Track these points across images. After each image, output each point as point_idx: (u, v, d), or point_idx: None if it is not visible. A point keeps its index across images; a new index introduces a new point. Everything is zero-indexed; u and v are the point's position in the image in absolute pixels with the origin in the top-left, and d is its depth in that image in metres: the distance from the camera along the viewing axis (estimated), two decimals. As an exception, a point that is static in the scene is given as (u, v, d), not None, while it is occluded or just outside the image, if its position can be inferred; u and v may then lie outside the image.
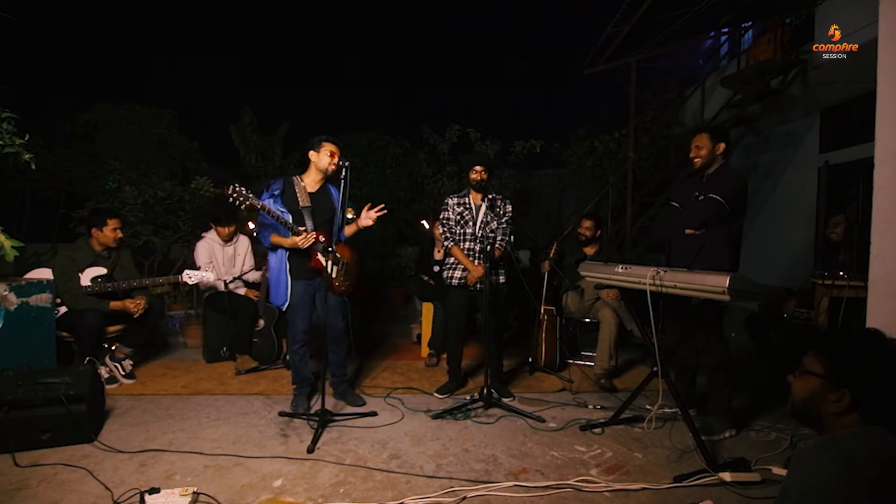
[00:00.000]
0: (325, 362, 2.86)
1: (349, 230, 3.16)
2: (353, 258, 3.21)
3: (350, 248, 3.19)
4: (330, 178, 3.08)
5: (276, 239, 2.90)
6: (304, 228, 2.87)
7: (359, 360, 4.16)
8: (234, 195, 2.68)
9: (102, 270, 3.53)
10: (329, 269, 2.93)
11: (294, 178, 3.04)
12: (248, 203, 2.71)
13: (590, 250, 4.18)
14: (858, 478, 1.02)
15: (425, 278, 4.63)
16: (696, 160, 2.83)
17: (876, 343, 1.17)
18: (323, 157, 2.97)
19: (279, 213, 2.84)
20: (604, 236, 4.28)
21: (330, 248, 2.86)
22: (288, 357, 3.96)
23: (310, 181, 3.04)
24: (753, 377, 3.61)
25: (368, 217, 3.09)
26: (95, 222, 3.54)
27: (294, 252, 2.92)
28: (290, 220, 2.87)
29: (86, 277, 3.46)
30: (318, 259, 2.92)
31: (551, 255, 4.10)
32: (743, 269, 2.71)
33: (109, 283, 3.51)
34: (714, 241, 2.68)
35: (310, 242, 2.85)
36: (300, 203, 2.95)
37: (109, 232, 3.52)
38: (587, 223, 4.16)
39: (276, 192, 2.93)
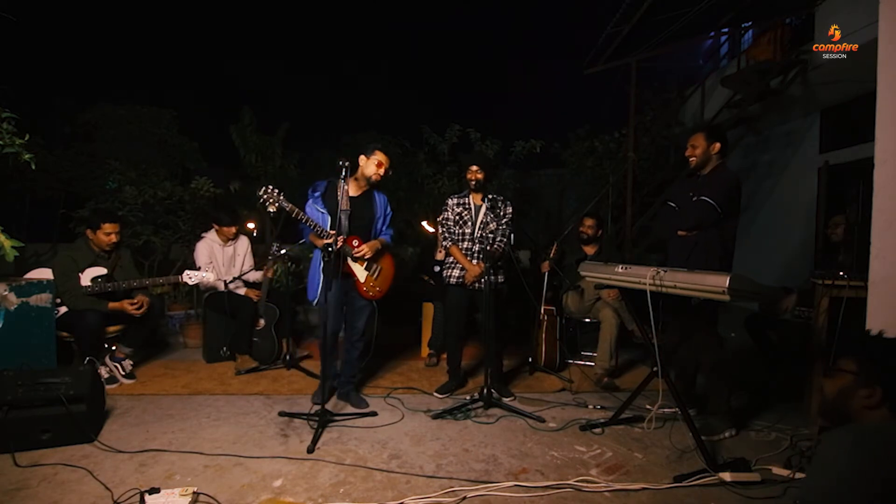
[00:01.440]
0: (327, 362, 2.86)
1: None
2: (390, 263, 3.24)
3: (388, 253, 3.23)
4: (376, 185, 3.12)
5: (312, 237, 2.99)
6: (333, 232, 2.88)
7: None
8: (266, 196, 2.78)
9: (102, 270, 3.53)
10: (357, 274, 3.02)
11: (340, 179, 3.04)
12: (277, 205, 2.79)
13: (590, 249, 4.18)
14: (870, 474, 1.08)
15: (425, 278, 4.63)
16: (691, 159, 2.86)
17: None
18: (370, 165, 3.02)
19: (319, 213, 2.95)
20: (604, 236, 4.29)
21: (330, 248, 2.85)
22: (288, 357, 3.98)
23: (354, 185, 3.09)
24: (753, 377, 3.61)
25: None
26: (92, 224, 3.53)
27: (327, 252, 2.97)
28: (329, 222, 2.95)
29: (86, 277, 3.46)
30: (347, 263, 2.97)
31: (551, 255, 4.10)
32: (743, 269, 2.70)
33: (109, 283, 3.51)
34: (706, 242, 2.71)
35: (337, 246, 2.86)
36: (340, 205, 2.98)
37: (103, 236, 3.50)
38: (589, 221, 4.16)
39: (318, 194, 3.02)
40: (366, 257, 3.04)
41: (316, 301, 3.02)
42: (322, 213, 2.97)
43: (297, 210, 2.86)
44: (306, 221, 2.88)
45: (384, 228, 3.19)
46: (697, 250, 2.72)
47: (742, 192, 2.84)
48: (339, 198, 2.88)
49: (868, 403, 1.24)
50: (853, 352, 1.34)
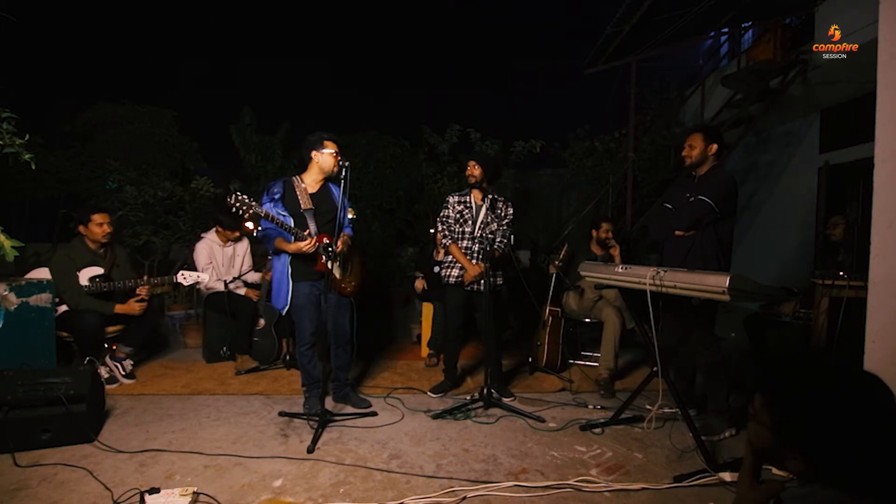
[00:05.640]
0: (324, 363, 2.85)
1: None
2: (359, 259, 3.19)
3: (353, 249, 3.17)
4: (330, 177, 3.01)
5: (280, 244, 2.82)
6: (307, 233, 2.81)
7: (359, 361, 4.15)
8: (237, 204, 2.58)
9: (99, 270, 3.52)
10: (334, 272, 2.90)
11: (294, 178, 2.95)
12: (250, 211, 2.62)
13: (600, 251, 4.16)
14: None
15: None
16: (686, 158, 2.86)
17: (815, 383, 0.91)
18: (326, 157, 2.90)
19: (282, 218, 2.77)
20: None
21: (330, 248, 2.84)
22: (288, 357, 3.97)
23: (310, 181, 2.96)
24: (747, 376, 3.61)
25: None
26: (82, 219, 3.53)
27: (298, 255, 2.85)
28: (293, 224, 2.81)
29: (83, 277, 3.45)
30: (323, 262, 2.85)
31: (561, 256, 4.06)
32: (743, 269, 2.71)
33: (106, 283, 3.50)
34: (703, 242, 2.71)
35: (314, 248, 2.79)
36: (302, 205, 2.87)
37: (95, 227, 3.47)
38: (606, 225, 4.10)
39: (276, 196, 2.84)
40: (343, 253, 2.96)
41: (287, 308, 2.90)
42: (284, 215, 2.80)
43: (271, 215, 2.71)
44: (281, 225, 2.74)
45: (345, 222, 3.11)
46: (695, 250, 2.72)
47: (740, 193, 2.84)
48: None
49: (797, 468, 0.92)
50: (762, 392, 0.96)
